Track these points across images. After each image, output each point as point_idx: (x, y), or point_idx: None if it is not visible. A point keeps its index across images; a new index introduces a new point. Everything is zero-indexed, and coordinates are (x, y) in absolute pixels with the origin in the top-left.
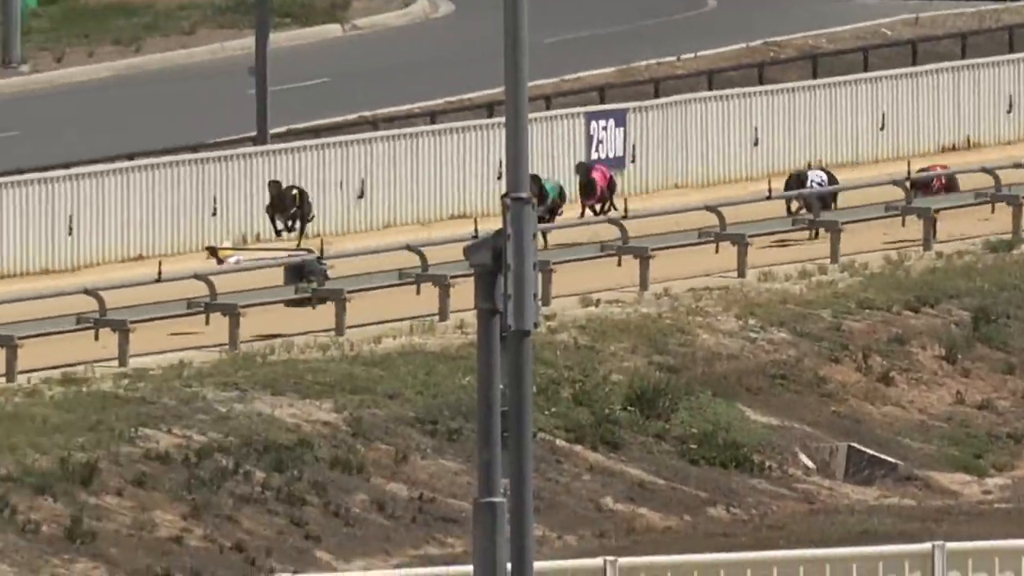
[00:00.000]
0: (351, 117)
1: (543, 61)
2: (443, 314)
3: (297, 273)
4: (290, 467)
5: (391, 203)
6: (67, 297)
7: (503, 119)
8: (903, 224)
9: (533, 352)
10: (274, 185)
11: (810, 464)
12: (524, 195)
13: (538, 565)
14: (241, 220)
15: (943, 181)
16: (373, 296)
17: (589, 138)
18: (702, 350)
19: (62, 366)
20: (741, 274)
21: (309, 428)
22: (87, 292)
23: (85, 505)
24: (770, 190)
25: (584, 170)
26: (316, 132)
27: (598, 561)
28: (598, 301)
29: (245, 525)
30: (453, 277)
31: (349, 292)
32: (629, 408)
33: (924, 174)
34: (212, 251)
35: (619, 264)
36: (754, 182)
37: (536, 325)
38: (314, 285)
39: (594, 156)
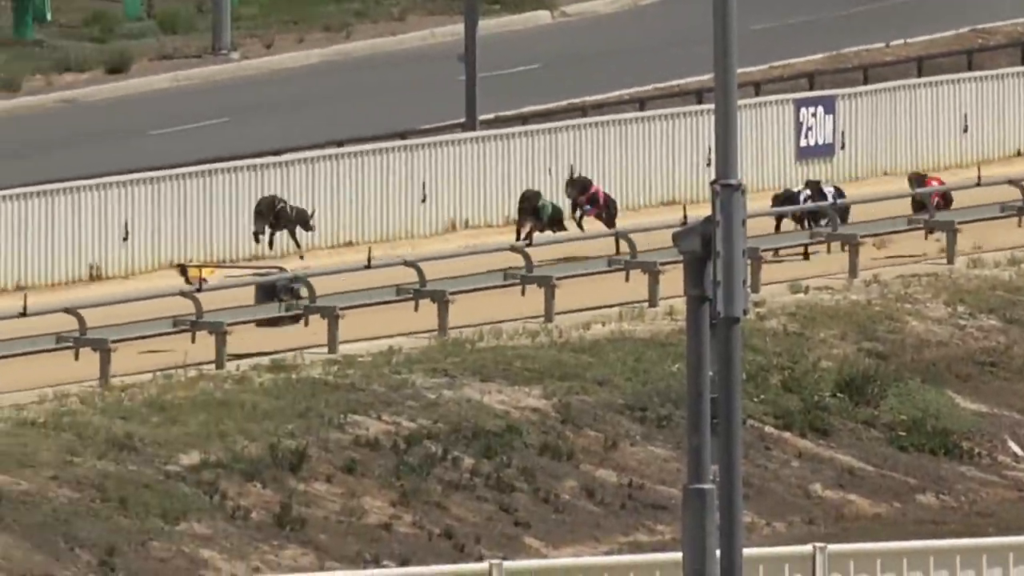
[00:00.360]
0: (560, 104)
1: (752, 47)
2: (652, 300)
3: (269, 292)
4: (499, 453)
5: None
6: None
7: (712, 106)
8: None
9: (742, 339)
10: (265, 201)
11: (1020, 451)
12: (734, 182)
13: (747, 552)
14: (449, 207)
15: (941, 196)
16: (582, 282)
17: (798, 125)
18: (911, 337)
19: (271, 352)
20: (950, 260)
21: (518, 414)
22: (296, 279)
23: (294, 491)
24: (979, 178)
25: (580, 186)
26: (525, 119)
27: (807, 548)
28: (807, 288)
29: (454, 511)
30: (662, 263)
31: (558, 279)
32: (838, 395)
33: (923, 189)
34: (182, 270)
35: (828, 251)
36: (963, 169)
37: (745, 312)
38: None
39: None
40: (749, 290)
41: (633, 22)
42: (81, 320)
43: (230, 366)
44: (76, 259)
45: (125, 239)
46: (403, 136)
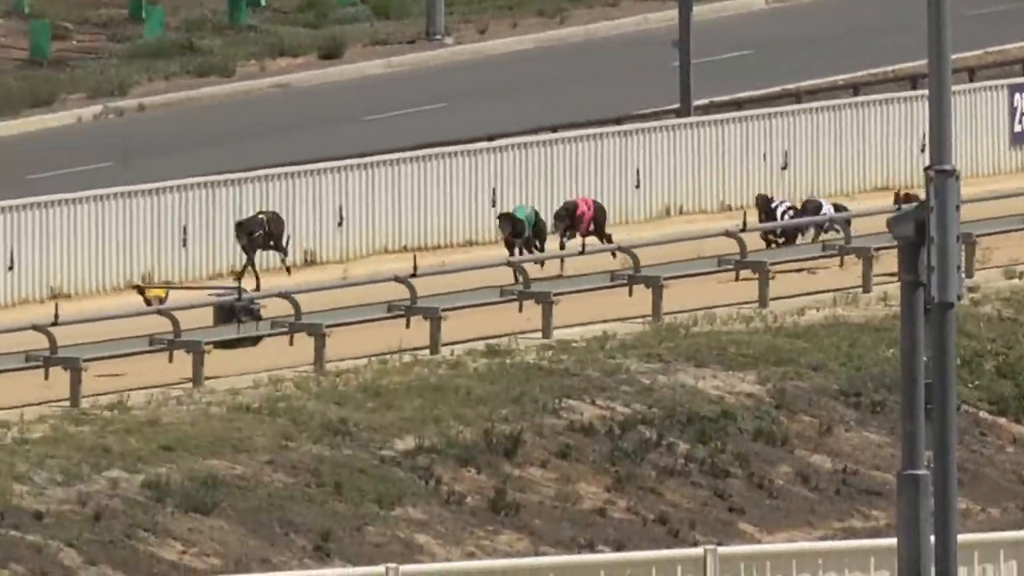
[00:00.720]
0: (774, 89)
1: (966, 33)
2: (866, 286)
3: (227, 313)
4: (713, 439)
5: (813, 175)
6: (491, 269)
7: (926, 91)
8: None
9: (956, 324)
10: (244, 225)
11: None
12: (948, 167)
13: (962, 538)
14: (664, 192)
15: None
16: (797, 268)
17: (1012, 111)
18: None
19: (485, 338)
20: None
21: (732, 400)
22: (509, 264)
23: (509, 477)
24: None
25: (571, 206)
26: (739, 104)
27: (1022, 534)
28: (1022, 273)
29: (668, 497)
30: (876, 249)
31: (772, 264)
32: None
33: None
34: (140, 290)
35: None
36: None
37: (960, 297)
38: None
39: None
40: (963, 275)
41: (846, 7)
42: (296, 306)
43: (444, 351)
44: (292, 245)
45: (340, 224)
46: (617, 122)
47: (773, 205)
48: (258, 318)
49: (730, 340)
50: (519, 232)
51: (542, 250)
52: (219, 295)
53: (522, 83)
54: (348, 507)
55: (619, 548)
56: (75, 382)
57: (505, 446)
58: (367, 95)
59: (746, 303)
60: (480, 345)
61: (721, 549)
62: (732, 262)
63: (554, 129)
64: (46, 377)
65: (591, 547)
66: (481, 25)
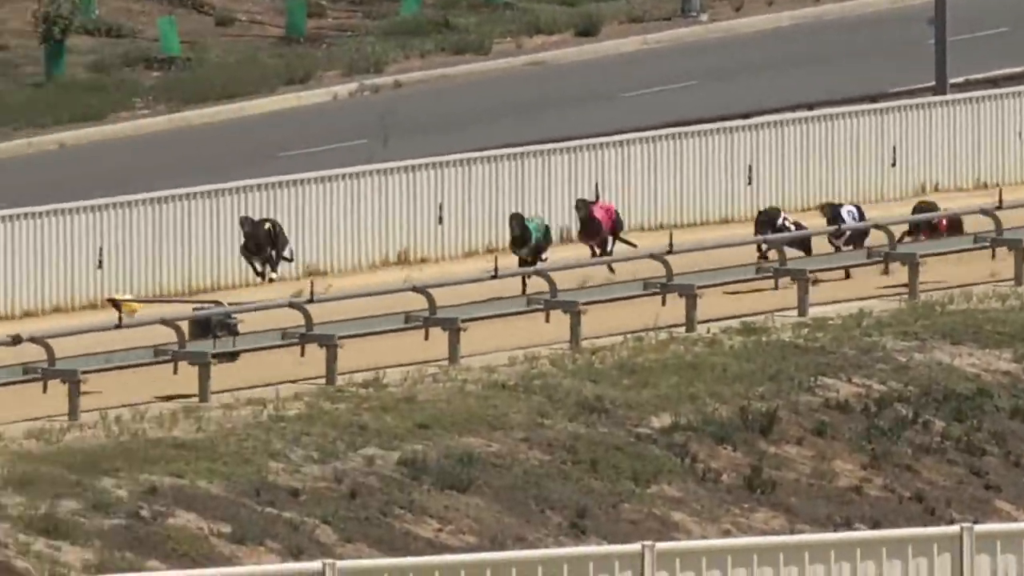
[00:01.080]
0: None
1: None
2: None
3: (204, 327)
4: (970, 417)
5: None
6: (743, 247)
7: None
8: None
9: None
10: (247, 223)
11: None
12: None
13: None
14: (919, 171)
15: (946, 221)
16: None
17: None
18: None
19: (741, 316)
20: None
21: (989, 378)
22: (759, 246)
23: (764, 454)
24: None
25: (584, 208)
26: (994, 82)
27: None
28: None
29: (924, 475)
30: None
31: None
32: None
33: (926, 215)
34: (114, 304)
35: None
36: None
37: None
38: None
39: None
40: None
41: None
42: (551, 283)
43: (700, 328)
44: (552, 224)
45: (595, 202)
46: (873, 100)
47: (779, 222)
48: (235, 333)
49: (986, 318)
50: (525, 236)
51: (543, 260)
52: (198, 308)
53: (777, 60)
54: (604, 484)
55: (875, 526)
56: (331, 359)
57: (761, 423)
58: (623, 72)
59: (1002, 281)
60: (736, 323)
61: (977, 527)
62: (988, 240)
63: (810, 107)
64: (302, 354)
65: (847, 525)
66: (736, 2)
